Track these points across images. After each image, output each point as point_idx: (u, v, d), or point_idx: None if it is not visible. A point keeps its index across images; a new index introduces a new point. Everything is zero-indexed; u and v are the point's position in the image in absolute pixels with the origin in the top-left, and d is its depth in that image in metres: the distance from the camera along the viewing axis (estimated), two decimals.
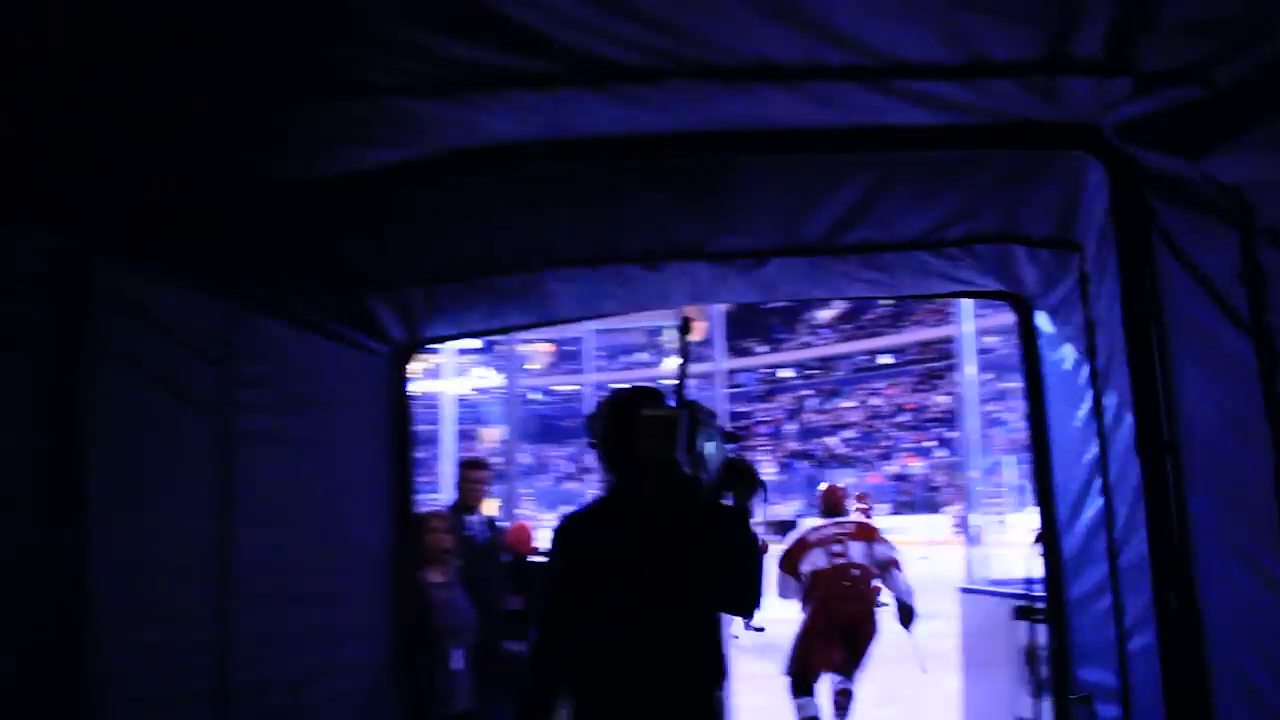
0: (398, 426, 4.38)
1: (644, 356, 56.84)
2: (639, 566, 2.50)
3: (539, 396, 50.83)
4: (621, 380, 53.61)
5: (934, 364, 45.74)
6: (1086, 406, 3.19)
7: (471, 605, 4.61)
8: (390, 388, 4.33)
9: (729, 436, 2.79)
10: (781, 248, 3.46)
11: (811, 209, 3.14)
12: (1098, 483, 3.17)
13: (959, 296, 4.98)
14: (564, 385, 51.48)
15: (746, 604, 2.62)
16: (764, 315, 57.51)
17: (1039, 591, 4.11)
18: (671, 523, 2.54)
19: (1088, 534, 3.39)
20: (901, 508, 34.41)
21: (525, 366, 53.54)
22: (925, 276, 3.64)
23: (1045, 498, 3.82)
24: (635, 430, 2.55)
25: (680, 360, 2.70)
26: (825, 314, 54.55)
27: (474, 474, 5.62)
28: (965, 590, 6.92)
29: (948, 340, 45.87)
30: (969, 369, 6.73)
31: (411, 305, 3.94)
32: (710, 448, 2.64)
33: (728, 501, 2.63)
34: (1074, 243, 3.13)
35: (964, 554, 8.16)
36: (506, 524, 6.53)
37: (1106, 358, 2.93)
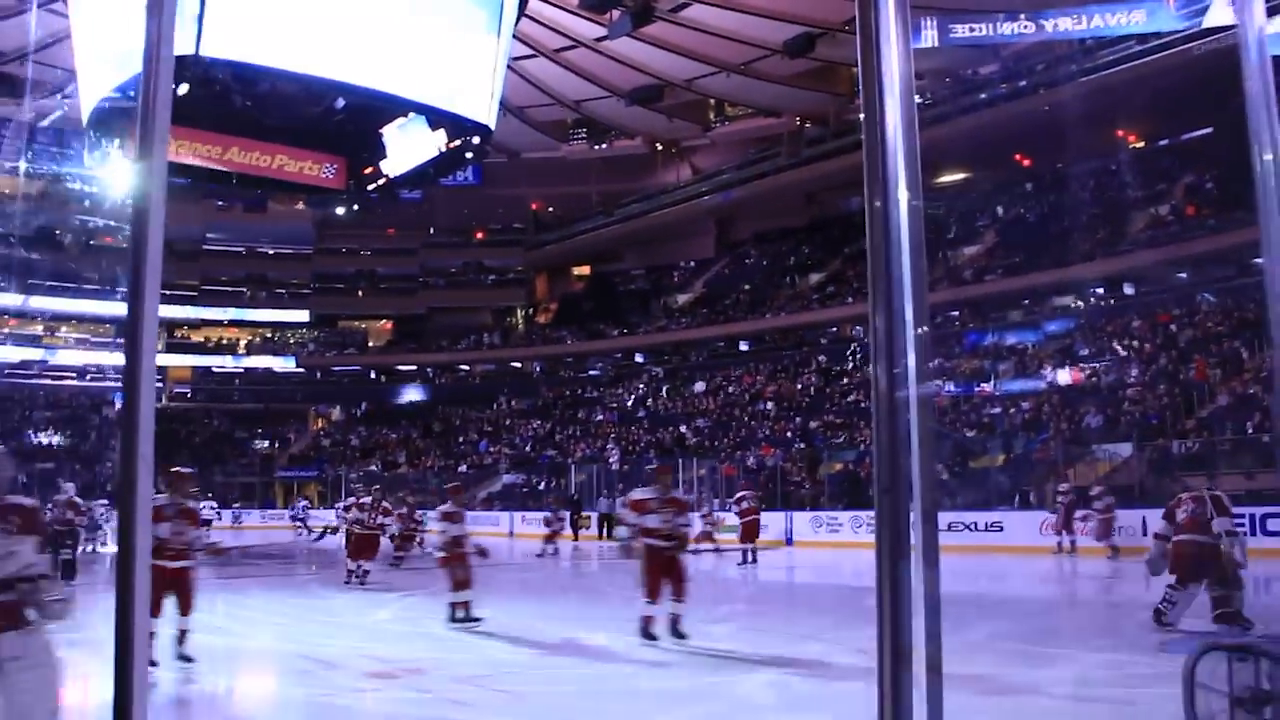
0: None
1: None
2: None
3: None
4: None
5: (793, 351, 44.28)
6: None
7: None
8: None
9: None
10: None
11: None
12: None
13: None
14: None
15: None
16: (618, 299, 55.03)
17: None
18: None
19: None
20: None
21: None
22: None
23: None
24: None
25: None
26: (682, 298, 52.52)
27: None
28: None
29: (808, 327, 44.53)
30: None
31: None
32: None
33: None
34: None
35: None
36: None
37: None
